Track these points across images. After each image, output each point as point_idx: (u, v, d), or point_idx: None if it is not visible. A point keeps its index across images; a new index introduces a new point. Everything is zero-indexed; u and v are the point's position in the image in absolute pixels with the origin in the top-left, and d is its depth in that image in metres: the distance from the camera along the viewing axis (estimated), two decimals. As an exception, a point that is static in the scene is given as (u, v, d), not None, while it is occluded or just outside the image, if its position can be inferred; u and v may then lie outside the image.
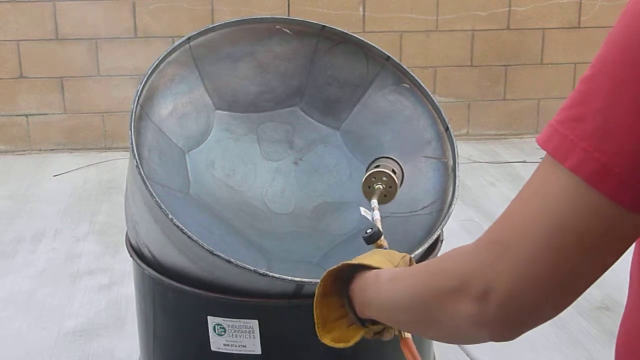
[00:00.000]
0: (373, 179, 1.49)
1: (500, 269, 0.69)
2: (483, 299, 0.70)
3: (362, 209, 1.47)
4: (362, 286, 0.96)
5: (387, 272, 0.94)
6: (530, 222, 0.67)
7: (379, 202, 1.46)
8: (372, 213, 1.40)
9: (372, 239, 1.21)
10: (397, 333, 1.06)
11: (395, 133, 1.80)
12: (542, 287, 0.68)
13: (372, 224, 1.33)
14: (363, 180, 1.50)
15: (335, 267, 0.99)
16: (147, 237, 1.56)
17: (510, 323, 0.72)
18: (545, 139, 0.69)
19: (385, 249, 1.20)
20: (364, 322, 1.00)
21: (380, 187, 1.48)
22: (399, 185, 1.50)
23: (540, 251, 0.67)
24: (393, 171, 1.50)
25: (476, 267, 0.72)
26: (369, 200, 1.47)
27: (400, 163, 1.56)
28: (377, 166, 1.52)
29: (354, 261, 0.99)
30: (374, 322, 1.00)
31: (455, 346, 2.58)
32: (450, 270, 0.76)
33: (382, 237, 1.22)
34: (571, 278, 0.69)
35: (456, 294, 0.73)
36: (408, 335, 1.06)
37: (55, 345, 2.61)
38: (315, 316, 1.01)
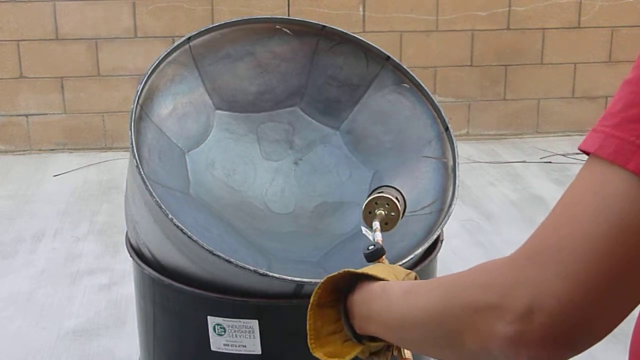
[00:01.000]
0: (375, 204, 1.40)
1: (548, 280, 0.62)
2: (526, 317, 0.63)
3: (363, 229, 1.41)
4: (366, 299, 0.89)
5: (398, 285, 0.86)
6: (587, 224, 0.61)
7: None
8: (374, 234, 1.31)
9: (374, 257, 1.14)
10: (395, 353, 0.97)
11: (395, 133, 1.80)
12: (599, 297, 0.61)
13: (373, 242, 1.25)
14: (364, 205, 1.41)
15: (335, 273, 0.92)
16: (147, 237, 1.56)
17: (557, 344, 0.63)
18: (598, 145, 0.64)
19: None
20: (360, 339, 0.92)
21: (382, 212, 1.39)
22: (401, 213, 1.42)
23: (598, 254, 0.60)
24: (397, 198, 1.42)
25: (518, 280, 0.64)
26: (369, 225, 1.38)
27: (404, 194, 1.48)
28: (380, 192, 1.43)
29: (358, 270, 0.91)
30: (372, 339, 0.91)
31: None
32: (486, 284, 0.67)
33: (384, 256, 1.15)
34: (631, 285, 0.62)
35: (493, 311, 0.65)
36: (409, 355, 0.97)
37: (55, 345, 2.61)
38: (308, 327, 0.95)
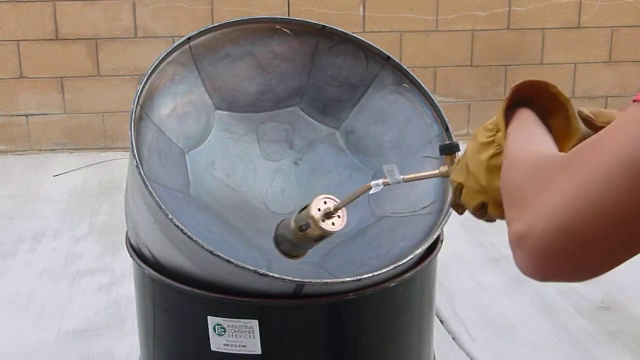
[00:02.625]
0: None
1: (562, 197, 0.65)
2: (530, 223, 0.68)
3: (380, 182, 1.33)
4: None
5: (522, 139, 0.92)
6: (616, 147, 0.62)
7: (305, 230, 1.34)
8: (394, 177, 1.30)
9: (447, 150, 1.20)
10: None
11: (395, 133, 1.80)
12: (596, 226, 0.63)
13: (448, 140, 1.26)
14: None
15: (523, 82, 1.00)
16: (147, 237, 1.56)
17: (545, 261, 0.67)
18: None
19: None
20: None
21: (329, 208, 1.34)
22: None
23: (613, 182, 0.62)
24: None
25: (545, 187, 0.69)
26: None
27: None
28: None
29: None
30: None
31: (455, 346, 2.58)
32: (534, 176, 0.73)
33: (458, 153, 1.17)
34: (633, 229, 0.62)
35: (518, 205, 0.71)
36: None
37: (55, 345, 2.60)
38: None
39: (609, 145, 0.64)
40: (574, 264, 0.66)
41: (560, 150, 0.93)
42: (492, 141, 0.99)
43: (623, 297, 2.86)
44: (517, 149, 0.87)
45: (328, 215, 1.33)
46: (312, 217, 1.32)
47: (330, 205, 1.34)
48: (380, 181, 1.32)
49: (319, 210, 1.34)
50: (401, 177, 1.31)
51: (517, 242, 0.69)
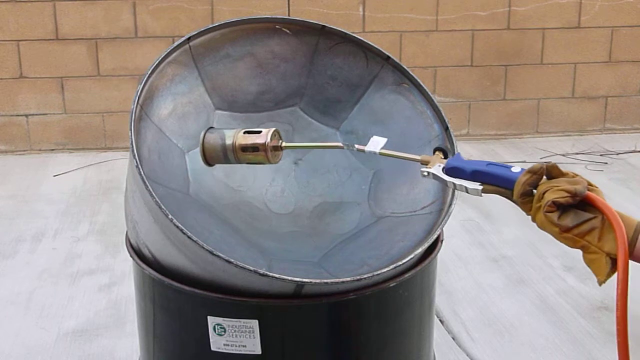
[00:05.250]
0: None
1: None
2: None
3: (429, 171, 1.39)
4: None
5: None
6: None
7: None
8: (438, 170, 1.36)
9: (443, 151, 1.32)
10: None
11: (395, 133, 1.80)
12: None
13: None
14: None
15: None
16: (147, 237, 1.56)
17: None
18: None
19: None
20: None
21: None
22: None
23: None
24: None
25: None
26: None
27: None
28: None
29: None
30: None
31: (455, 346, 2.58)
32: None
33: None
34: None
35: None
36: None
37: (55, 345, 2.61)
38: None
39: None
40: None
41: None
42: None
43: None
44: None
45: (276, 148, 1.51)
46: (264, 145, 1.49)
47: (281, 141, 1.52)
48: (356, 146, 1.45)
49: (271, 140, 1.50)
50: (380, 150, 1.41)
51: None
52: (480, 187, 1.30)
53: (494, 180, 1.28)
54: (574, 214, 1.19)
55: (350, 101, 1.84)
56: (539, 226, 1.22)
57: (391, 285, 1.49)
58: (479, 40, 4.84)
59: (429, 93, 1.77)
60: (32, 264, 3.22)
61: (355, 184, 1.81)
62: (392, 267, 1.45)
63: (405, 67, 1.79)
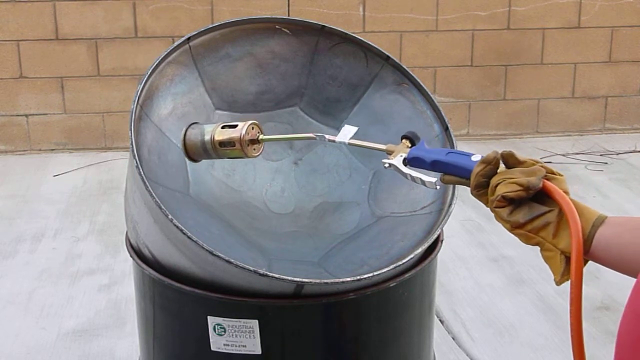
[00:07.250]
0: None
1: None
2: None
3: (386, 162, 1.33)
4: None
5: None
6: None
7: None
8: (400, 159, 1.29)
9: (410, 139, 1.28)
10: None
11: (395, 133, 1.79)
12: None
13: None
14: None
15: None
16: (147, 237, 1.56)
17: None
18: None
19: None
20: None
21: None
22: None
23: None
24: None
25: None
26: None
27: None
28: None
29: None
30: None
31: (455, 346, 2.58)
32: None
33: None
34: None
35: None
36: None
37: (55, 345, 2.61)
38: None
39: None
40: None
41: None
42: None
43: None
44: None
45: (253, 141, 1.48)
46: (239, 139, 1.46)
47: (259, 134, 1.49)
48: (327, 136, 1.43)
49: (247, 133, 1.47)
50: (349, 140, 1.39)
51: None
52: (436, 180, 1.21)
53: (454, 170, 1.18)
54: (527, 208, 1.08)
55: (350, 101, 1.84)
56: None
57: (391, 285, 1.49)
58: (479, 40, 4.84)
59: (429, 93, 1.77)
60: (32, 264, 3.22)
61: (355, 184, 1.81)
62: (392, 267, 1.45)
63: (405, 67, 1.79)
